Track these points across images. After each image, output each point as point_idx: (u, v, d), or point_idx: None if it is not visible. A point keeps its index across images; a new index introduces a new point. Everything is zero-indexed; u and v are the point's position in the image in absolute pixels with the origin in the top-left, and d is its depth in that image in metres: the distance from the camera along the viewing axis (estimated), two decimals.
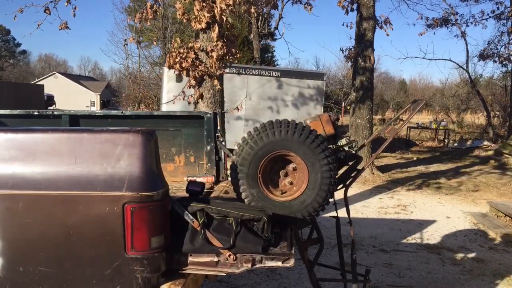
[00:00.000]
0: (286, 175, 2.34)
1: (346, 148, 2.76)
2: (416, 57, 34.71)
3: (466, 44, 18.40)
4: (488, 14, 15.04)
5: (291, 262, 2.05)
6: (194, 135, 3.66)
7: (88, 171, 1.84)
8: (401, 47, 72.19)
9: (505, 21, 15.29)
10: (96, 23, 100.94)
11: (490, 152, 12.88)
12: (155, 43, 26.41)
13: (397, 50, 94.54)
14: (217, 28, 5.55)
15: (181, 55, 5.65)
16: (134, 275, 1.85)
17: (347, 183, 2.89)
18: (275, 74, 12.92)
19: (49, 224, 1.84)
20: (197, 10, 5.56)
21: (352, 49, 10.15)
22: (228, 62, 5.99)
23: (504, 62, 16.09)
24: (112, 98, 41.84)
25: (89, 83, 50.03)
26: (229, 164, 2.59)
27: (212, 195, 2.98)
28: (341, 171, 2.81)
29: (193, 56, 5.68)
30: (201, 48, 5.75)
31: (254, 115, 12.48)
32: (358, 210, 6.92)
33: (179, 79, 9.75)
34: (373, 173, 10.00)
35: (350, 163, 2.83)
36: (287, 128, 2.25)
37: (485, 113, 18.20)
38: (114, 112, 3.87)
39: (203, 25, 5.61)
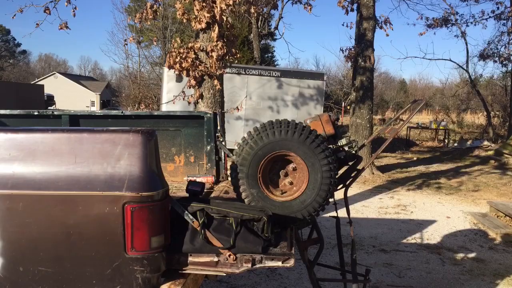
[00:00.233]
0: (286, 175, 2.34)
1: (346, 148, 2.76)
2: (416, 57, 34.71)
3: (466, 44, 18.41)
4: (488, 14, 15.06)
5: (291, 262, 2.04)
6: (194, 135, 3.66)
7: (88, 171, 1.84)
8: (401, 47, 72.31)
9: (505, 21, 15.30)
10: (96, 23, 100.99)
11: (490, 152, 12.88)
12: (155, 43, 26.43)
13: (397, 50, 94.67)
14: (217, 28, 5.55)
15: (181, 55, 5.65)
16: (134, 275, 1.85)
17: (347, 183, 2.89)
18: (275, 74, 12.92)
19: (49, 224, 1.84)
20: (197, 10, 5.56)
21: (352, 49, 10.15)
22: (228, 62, 5.99)
23: (504, 62, 16.10)
24: (112, 98, 41.86)
25: (89, 83, 50.05)
26: (229, 164, 2.59)
27: (212, 195, 2.98)
28: (341, 171, 2.81)
29: (193, 56, 5.68)
30: (201, 48, 5.75)
31: (254, 115, 12.48)
32: (358, 210, 6.92)
33: (179, 79, 9.77)
34: (373, 173, 10.00)
35: (350, 163, 2.83)
36: (287, 128, 2.25)
37: (485, 113, 18.20)
38: (114, 112, 3.87)
39: (203, 25, 5.61)
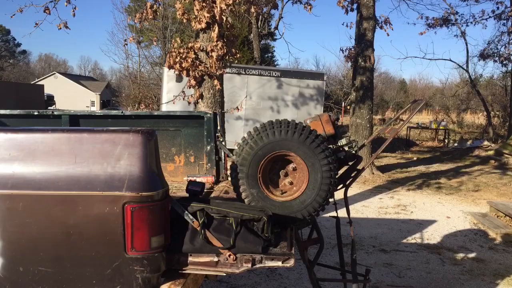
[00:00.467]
0: (286, 175, 2.34)
1: (346, 148, 2.76)
2: (416, 57, 34.73)
3: (466, 44, 18.41)
4: (488, 14, 15.05)
5: (291, 262, 2.04)
6: (194, 135, 3.66)
7: (88, 171, 1.84)
8: (401, 47, 72.31)
9: (505, 21, 15.29)
10: (96, 23, 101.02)
11: (490, 152, 12.88)
12: (155, 43, 26.42)
13: (397, 50, 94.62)
14: (217, 28, 5.55)
15: (181, 55, 5.65)
16: (134, 275, 1.85)
17: (347, 183, 2.89)
18: (275, 74, 12.92)
19: (49, 224, 1.84)
20: (197, 10, 5.56)
21: (352, 49, 10.15)
22: (228, 62, 5.99)
23: (504, 62, 16.09)
24: (112, 98, 41.86)
25: (89, 83, 50.05)
26: (229, 164, 2.59)
27: (212, 195, 2.98)
28: (341, 171, 2.81)
29: (193, 56, 5.68)
30: (201, 48, 5.75)
31: (254, 115, 12.48)
32: (358, 210, 6.92)
33: (179, 79, 9.77)
34: (373, 173, 10.00)
35: (350, 163, 2.83)
36: (287, 128, 2.25)
37: (485, 113, 18.20)
38: (114, 112, 3.87)
39: (203, 25, 5.61)
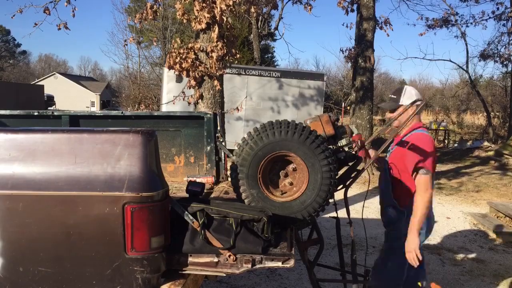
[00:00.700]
0: (286, 175, 2.33)
1: (346, 149, 2.76)
2: (416, 57, 34.77)
3: (466, 45, 18.45)
4: (488, 15, 15.06)
5: (291, 263, 2.04)
6: (194, 136, 3.66)
7: (88, 171, 1.84)
8: (401, 48, 72.47)
9: (505, 22, 15.31)
10: (96, 23, 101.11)
11: (491, 153, 12.88)
12: (155, 43, 26.46)
13: (397, 51, 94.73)
14: (217, 28, 5.55)
15: (181, 55, 5.65)
16: (134, 276, 1.85)
17: (347, 183, 2.89)
18: (275, 74, 12.92)
19: (49, 224, 1.83)
20: (197, 10, 5.56)
21: (352, 49, 10.17)
22: (228, 62, 5.99)
23: (505, 63, 16.11)
24: (112, 99, 41.88)
25: (89, 84, 50.07)
26: (229, 164, 2.59)
27: (212, 195, 2.98)
28: (341, 172, 2.80)
29: (193, 56, 5.68)
30: (201, 49, 5.75)
31: (254, 115, 12.48)
32: (358, 211, 6.91)
33: (179, 79, 9.78)
34: (373, 174, 10.00)
35: (350, 164, 2.82)
36: (287, 128, 2.24)
37: (485, 114, 18.21)
38: (114, 112, 3.87)
39: (203, 26, 5.61)
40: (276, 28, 19.61)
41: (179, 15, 5.88)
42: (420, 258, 2.70)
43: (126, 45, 23.91)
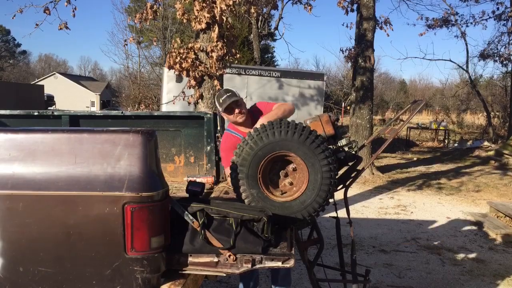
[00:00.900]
0: (286, 175, 2.33)
1: (346, 149, 2.76)
2: (416, 57, 34.75)
3: (466, 45, 18.46)
4: (488, 15, 15.06)
5: (291, 263, 2.04)
6: (194, 136, 3.66)
7: (88, 171, 1.84)
8: (401, 48, 72.42)
9: (505, 22, 15.30)
10: (96, 23, 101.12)
11: (491, 153, 12.88)
12: (155, 43, 26.43)
13: (397, 51, 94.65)
14: (217, 28, 5.55)
15: (181, 55, 5.65)
16: (134, 276, 1.85)
17: (347, 183, 2.89)
18: (275, 74, 12.92)
19: (49, 224, 1.83)
20: (197, 10, 5.56)
21: (352, 49, 10.16)
22: (228, 62, 6.00)
23: (504, 62, 16.11)
24: (112, 99, 41.89)
25: (89, 84, 50.06)
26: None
27: (212, 195, 2.98)
28: (341, 172, 2.80)
29: (193, 56, 5.68)
30: (201, 49, 5.75)
31: None
32: (358, 211, 6.92)
33: (179, 79, 9.78)
34: (373, 174, 10.00)
35: (350, 164, 2.83)
36: (287, 128, 2.24)
37: (485, 114, 18.21)
38: (114, 112, 3.87)
39: (203, 26, 5.61)
40: (276, 28, 19.61)
41: (179, 15, 5.89)
42: None
43: (126, 45, 23.95)
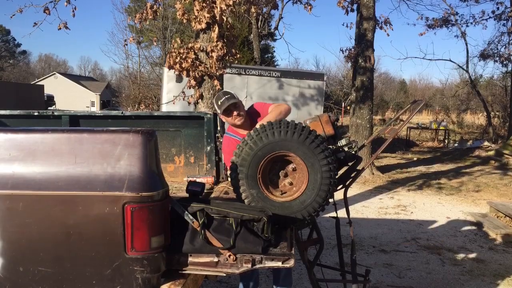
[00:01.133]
0: (285, 175, 2.33)
1: (346, 149, 2.76)
2: (416, 57, 34.79)
3: (466, 45, 18.46)
4: (488, 15, 15.06)
5: (291, 263, 2.04)
6: (194, 136, 3.66)
7: (88, 171, 1.84)
8: (401, 48, 72.36)
9: (505, 22, 15.30)
10: (96, 23, 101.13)
11: (491, 153, 12.88)
12: (155, 43, 26.45)
13: (397, 51, 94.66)
14: (217, 28, 5.55)
15: (181, 55, 5.66)
16: (134, 275, 1.85)
17: (347, 183, 2.89)
18: (275, 74, 12.92)
19: (49, 224, 1.84)
20: (197, 10, 5.56)
21: (352, 49, 10.16)
22: (228, 62, 6.00)
23: (505, 62, 16.11)
24: (112, 99, 41.89)
25: (89, 83, 50.06)
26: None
27: (212, 195, 2.98)
28: (341, 172, 2.81)
29: (193, 56, 5.68)
30: (201, 49, 5.75)
31: None
32: (358, 211, 6.92)
33: (179, 79, 9.78)
34: (373, 174, 10.00)
35: (350, 164, 2.83)
36: (287, 128, 2.24)
37: (485, 114, 18.21)
38: (114, 112, 3.87)
39: (203, 26, 5.61)
40: (276, 28, 19.61)
41: (179, 15, 5.89)
42: None
43: (126, 45, 23.94)
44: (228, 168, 2.98)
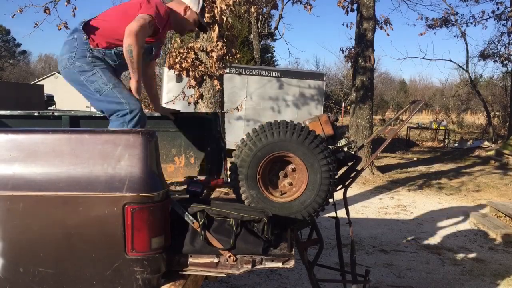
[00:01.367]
0: (285, 176, 2.34)
1: (345, 149, 2.76)
2: (416, 57, 35.01)
3: (466, 44, 18.49)
4: (488, 14, 15.06)
5: (291, 263, 2.05)
6: (194, 136, 3.66)
7: (89, 172, 1.84)
8: (401, 47, 72.40)
9: (505, 21, 15.31)
10: None
11: (491, 152, 12.89)
12: None
13: (397, 51, 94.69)
14: (217, 28, 5.56)
15: (181, 55, 5.66)
16: (134, 276, 1.86)
17: (347, 183, 2.89)
18: (275, 74, 12.92)
19: (50, 225, 1.84)
20: None
21: (352, 49, 10.17)
22: (228, 62, 6.00)
23: (505, 62, 16.12)
24: None
25: None
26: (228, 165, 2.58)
27: (212, 196, 2.98)
28: (340, 172, 2.81)
29: (193, 56, 5.69)
30: (201, 48, 5.76)
31: (254, 115, 12.48)
32: (358, 211, 6.92)
33: (179, 79, 9.79)
34: (373, 174, 10.00)
35: (350, 164, 2.83)
36: (286, 129, 2.25)
37: (485, 113, 18.21)
38: None
39: None
40: (276, 28, 19.63)
41: None
42: None
43: None
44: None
